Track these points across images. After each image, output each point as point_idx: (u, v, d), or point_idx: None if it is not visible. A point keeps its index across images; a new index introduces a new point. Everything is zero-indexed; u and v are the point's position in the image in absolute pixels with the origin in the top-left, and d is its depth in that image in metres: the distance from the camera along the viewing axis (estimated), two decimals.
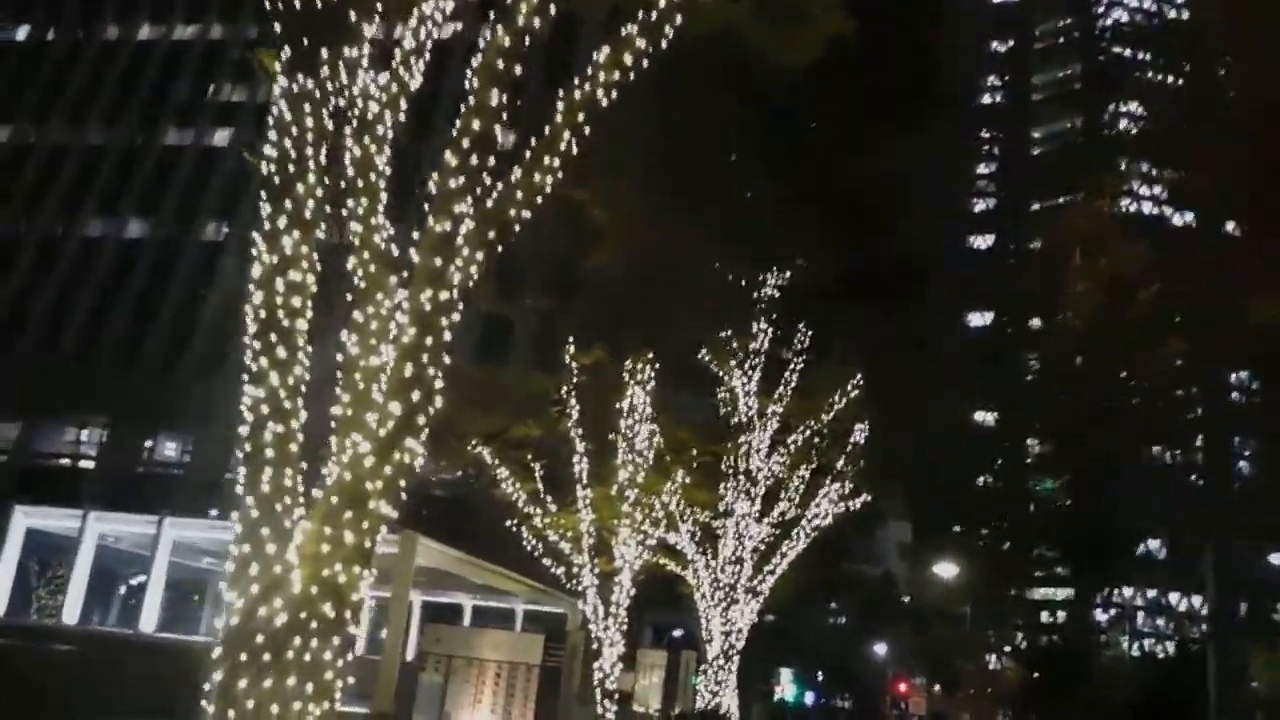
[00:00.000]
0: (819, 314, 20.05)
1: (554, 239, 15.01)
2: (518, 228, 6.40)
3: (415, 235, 5.99)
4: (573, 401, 13.69)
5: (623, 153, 16.42)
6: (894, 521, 56.76)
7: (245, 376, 5.45)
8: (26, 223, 49.59)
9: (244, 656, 5.10)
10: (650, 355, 13.64)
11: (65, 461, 47.38)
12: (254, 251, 5.53)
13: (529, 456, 14.34)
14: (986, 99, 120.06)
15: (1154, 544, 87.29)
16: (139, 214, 49.58)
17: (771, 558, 20.37)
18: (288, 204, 5.55)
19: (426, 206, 6.03)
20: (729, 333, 18.08)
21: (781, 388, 19.92)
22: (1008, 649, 54.22)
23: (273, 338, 5.46)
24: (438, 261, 5.91)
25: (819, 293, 19.49)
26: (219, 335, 45.18)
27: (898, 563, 54.63)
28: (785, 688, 52.75)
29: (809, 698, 54.26)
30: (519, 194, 6.39)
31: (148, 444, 47.73)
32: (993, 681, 40.86)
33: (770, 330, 19.35)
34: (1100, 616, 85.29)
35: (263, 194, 5.61)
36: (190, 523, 20.21)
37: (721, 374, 19.31)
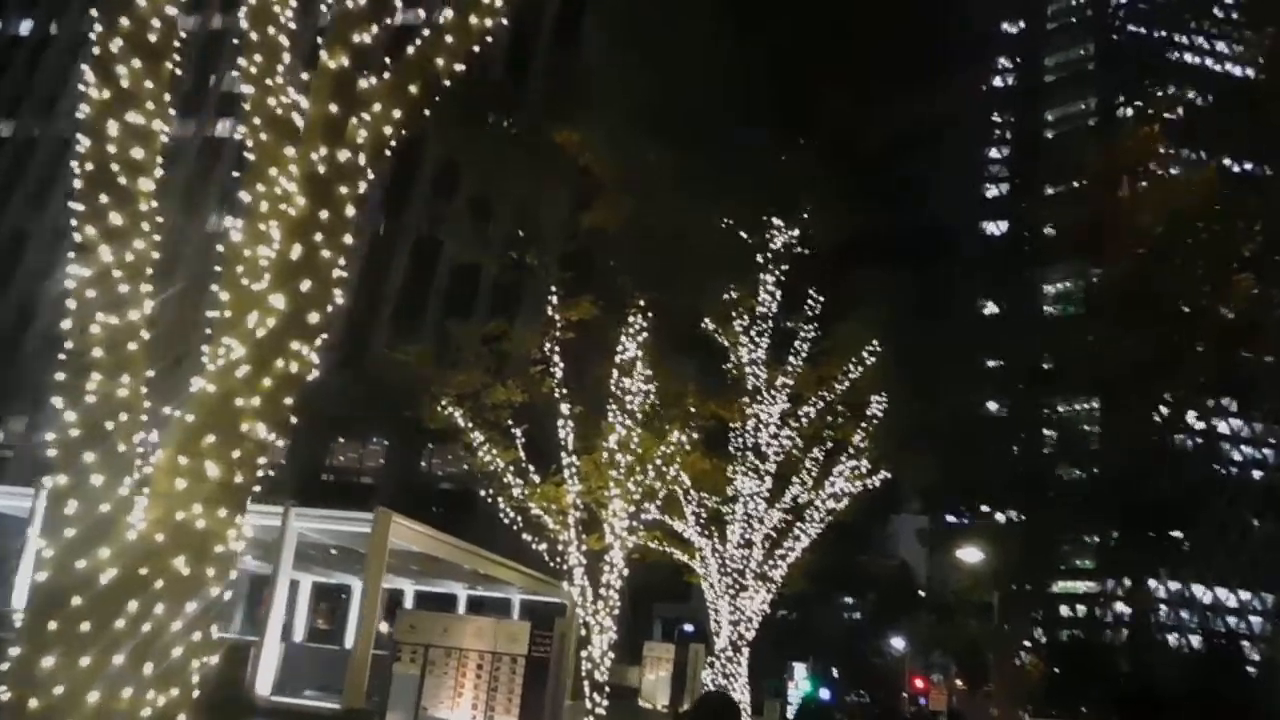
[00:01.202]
0: (830, 276, 18.57)
1: (540, 186, 13.62)
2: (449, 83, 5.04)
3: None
4: (556, 359, 12.30)
5: (616, 95, 15.02)
6: (909, 515, 55.35)
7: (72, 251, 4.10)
8: (31, 215, 48.91)
9: (54, 625, 3.73)
10: (642, 303, 12.24)
11: None
12: (83, 86, 4.16)
13: (509, 421, 12.90)
14: (999, 81, 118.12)
15: (1174, 534, 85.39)
16: None
17: (783, 542, 18.93)
18: (124, 22, 4.16)
19: (320, 39, 4.64)
20: (733, 292, 16.65)
21: (792, 357, 18.48)
22: (1028, 643, 52.59)
23: (104, 199, 4.09)
24: (334, 109, 4.52)
25: (830, 253, 18.01)
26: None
27: (915, 553, 53.09)
28: (799, 683, 51.28)
29: (824, 693, 52.77)
30: (449, 39, 5.01)
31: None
32: (1019, 676, 39.25)
33: (778, 293, 17.88)
34: (1122, 609, 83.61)
35: (94, 10, 4.24)
36: None
37: (726, 342, 17.87)
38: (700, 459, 15.27)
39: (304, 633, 24.61)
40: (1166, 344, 13.38)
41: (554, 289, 12.41)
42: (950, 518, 56.47)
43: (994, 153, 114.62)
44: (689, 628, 44.54)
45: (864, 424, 18.88)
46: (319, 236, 4.45)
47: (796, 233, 17.67)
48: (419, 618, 13.48)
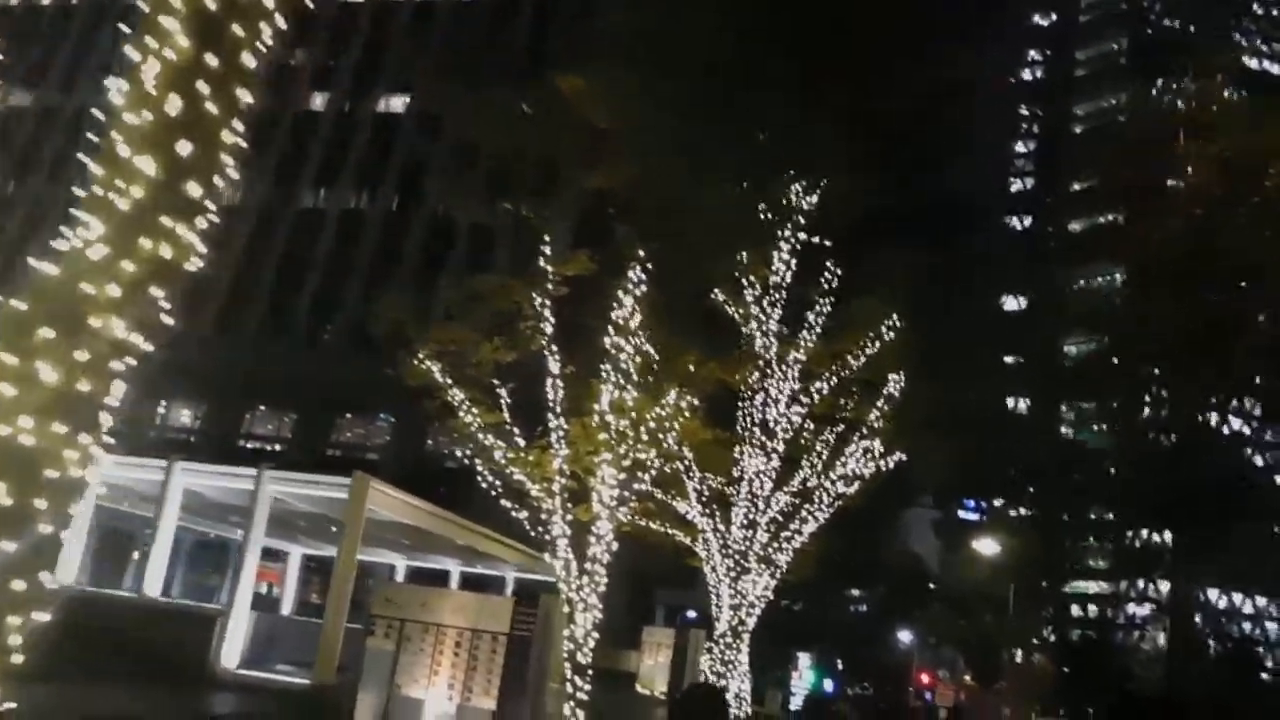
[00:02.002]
0: (848, 249, 17.56)
1: (540, 136, 12.68)
2: None
3: None
4: (547, 314, 11.35)
5: (633, 48, 14.09)
6: (921, 509, 54.38)
7: None
8: (17, 184, 48.35)
9: None
10: (642, 253, 11.28)
11: None
12: None
13: (494, 380, 11.93)
14: (1027, 74, 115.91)
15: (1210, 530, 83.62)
16: None
17: (789, 525, 17.97)
18: None
19: None
20: (745, 260, 15.68)
21: (805, 331, 17.49)
22: (1036, 641, 51.49)
23: None
24: None
25: (848, 226, 17.00)
26: (229, 295, 44.08)
27: (928, 547, 52.15)
28: (803, 674, 50.47)
29: (828, 685, 51.97)
30: None
31: (160, 409, 46.66)
32: (1034, 675, 38.20)
33: (793, 261, 16.88)
34: (1134, 610, 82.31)
35: None
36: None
37: (737, 313, 16.90)
38: (701, 428, 14.30)
39: (293, 605, 23.92)
40: (1226, 311, 12.29)
41: (546, 239, 11.47)
42: (964, 513, 55.32)
43: (1020, 147, 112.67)
44: (692, 614, 43.83)
45: (879, 404, 17.90)
46: (205, 88, 3.51)
47: (814, 199, 16.66)
48: (396, 591, 12.65)
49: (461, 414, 11.49)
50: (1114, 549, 74.06)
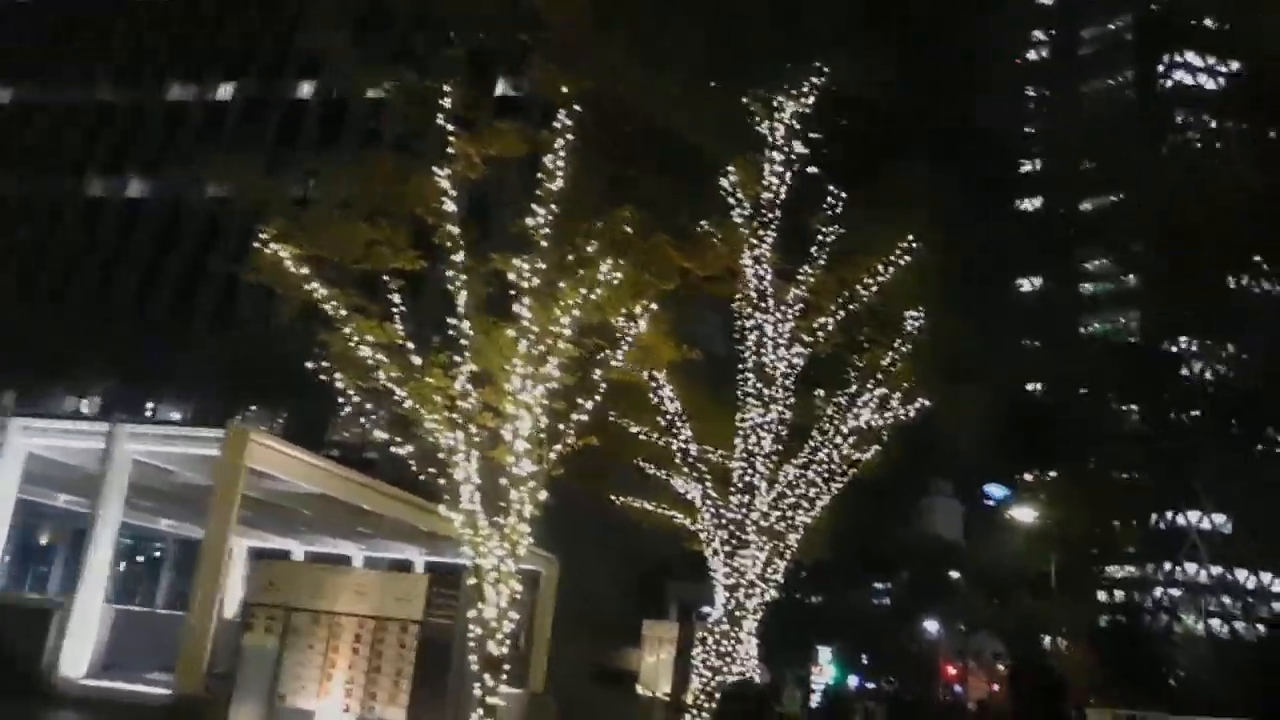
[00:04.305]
0: (856, 160, 14.81)
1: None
2: None
3: None
4: (448, 186, 8.48)
5: None
6: (944, 498, 51.66)
7: None
8: (32, 182, 46.31)
9: None
10: (565, 90, 8.46)
11: None
12: None
13: (387, 281, 9.01)
14: (1033, 54, 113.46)
15: (1219, 519, 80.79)
16: (141, 173, 46.34)
17: (794, 492, 15.16)
18: None
19: None
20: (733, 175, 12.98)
21: (808, 265, 14.72)
22: (1064, 629, 48.37)
23: None
24: None
25: (858, 127, 14.24)
26: (225, 297, 42.02)
27: (953, 530, 49.38)
28: (824, 669, 47.50)
29: (851, 681, 49.03)
30: None
31: (149, 410, 44.52)
32: (1072, 664, 35.28)
33: (787, 174, 14.09)
34: (1161, 593, 79.35)
35: None
36: None
37: (725, 240, 14.12)
38: (665, 342, 11.44)
39: (238, 607, 21.20)
40: None
41: (446, 91, 8.68)
42: (989, 500, 52.52)
43: (1028, 127, 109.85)
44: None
45: (896, 344, 15.12)
46: None
47: (809, 91, 13.88)
48: (279, 570, 9.91)
49: (339, 325, 8.65)
50: (1141, 529, 70.89)
